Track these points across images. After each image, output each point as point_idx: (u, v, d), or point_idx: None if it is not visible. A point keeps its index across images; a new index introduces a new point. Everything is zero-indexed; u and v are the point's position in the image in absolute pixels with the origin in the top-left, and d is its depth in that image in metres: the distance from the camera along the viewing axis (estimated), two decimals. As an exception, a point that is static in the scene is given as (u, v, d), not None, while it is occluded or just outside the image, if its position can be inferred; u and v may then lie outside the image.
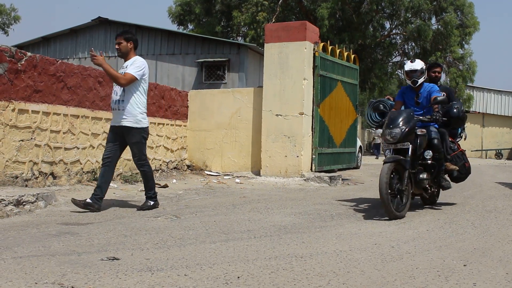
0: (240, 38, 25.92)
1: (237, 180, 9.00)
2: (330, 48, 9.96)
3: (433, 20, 24.38)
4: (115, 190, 7.00)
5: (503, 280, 2.95)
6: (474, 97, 27.61)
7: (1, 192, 5.22)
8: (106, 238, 3.95)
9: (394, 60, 26.85)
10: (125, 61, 5.55)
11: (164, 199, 6.44)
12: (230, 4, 24.38)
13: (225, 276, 2.94)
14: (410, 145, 5.43)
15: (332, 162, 10.10)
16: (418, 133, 5.60)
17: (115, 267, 3.07)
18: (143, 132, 5.51)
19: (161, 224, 4.64)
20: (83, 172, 7.31)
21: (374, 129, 6.93)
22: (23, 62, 6.21)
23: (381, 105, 6.24)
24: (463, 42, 24.64)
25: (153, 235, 4.12)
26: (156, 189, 6.79)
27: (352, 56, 10.96)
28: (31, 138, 6.33)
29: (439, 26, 23.75)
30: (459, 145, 6.55)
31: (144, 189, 5.78)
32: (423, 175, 5.68)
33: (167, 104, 9.62)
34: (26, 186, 6.18)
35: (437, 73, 6.59)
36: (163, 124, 9.49)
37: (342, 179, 9.65)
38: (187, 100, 10.33)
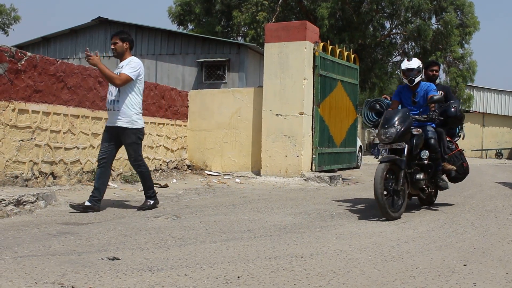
0: (240, 38, 25.92)
1: (237, 180, 9.00)
2: (330, 47, 9.96)
3: (433, 20, 24.39)
4: (115, 190, 7.00)
5: (503, 280, 2.95)
6: (474, 97, 27.59)
7: (1, 192, 5.22)
8: (106, 238, 3.95)
9: (394, 60, 26.87)
10: (120, 61, 5.52)
11: (164, 199, 6.44)
12: (230, 4, 24.38)
13: (225, 275, 2.94)
14: (406, 145, 5.37)
15: (332, 162, 10.09)
16: (414, 132, 5.54)
17: (115, 267, 3.08)
18: (139, 133, 5.48)
19: (161, 224, 4.64)
20: (83, 172, 7.31)
21: (374, 129, 6.89)
22: (23, 62, 6.21)
23: (377, 105, 6.20)
24: (463, 42, 24.65)
25: (153, 235, 4.12)
26: (156, 189, 6.77)
27: (352, 55, 10.96)
28: (31, 138, 6.33)
29: (439, 26, 23.75)
30: (457, 144, 6.48)
31: (143, 189, 5.77)
32: (420, 176, 5.62)
33: (167, 104, 9.62)
34: (26, 186, 6.18)
35: (434, 72, 6.54)
36: (163, 124, 9.50)
37: (342, 179, 9.65)
38: (187, 100, 10.33)
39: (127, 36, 5.56)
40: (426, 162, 5.67)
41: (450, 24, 22.65)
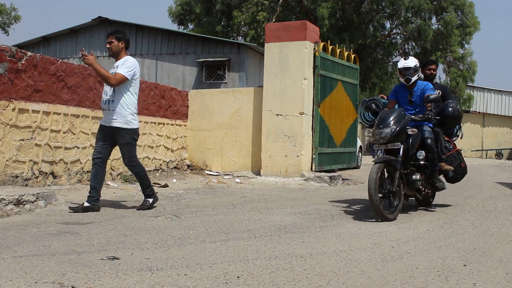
0: (240, 38, 25.92)
1: (237, 180, 9.00)
2: (330, 47, 9.96)
3: (434, 20, 24.39)
4: (115, 190, 7.00)
5: (503, 280, 2.95)
6: (474, 97, 27.59)
7: (2, 191, 5.22)
8: (106, 237, 3.95)
9: (394, 59, 26.83)
10: (116, 60, 5.48)
11: (164, 199, 6.44)
12: (231, 3, 24.38)
13: (225, 275, 2.94)
14: (401, 145, 5.29)
15: (332, 162, 10.09)
16: (409, 132, 5.44)
17: (115, 266, 3.07)
18: (133, 133, 5.44)
19: (161, 224, 4.64)
20: (83, 171, 7.31)
21: (371, 128, 6.84)
22: (23, 62, 6.21)
23: (373, 104, 6.13)
24: (464, 42, 24.65)
25: (153, 234, 4.12)
26: (156, 189, 6.77)
27: (353, 55, 10.96)
28: (31, 138, 6.33)
29: (440, 26, 23.75)
30: (455, 144, 6.38)
31: (141, 189, 5.75)
32: (416, 176, 5.55)
33: (167, 103, 9.62)
34: (26, 185, 6.19)
35: (432, 71, 6.46)
36: (164, 123, 9.50)
37: (342, 179, 9.65)
38: (188, 100, 10.33)
39: (122, 35, 5.52)
40: (422, 162, 5.60)
41: (450, 24, 22.65)
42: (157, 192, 6.96)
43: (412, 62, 5.78)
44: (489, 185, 9.78)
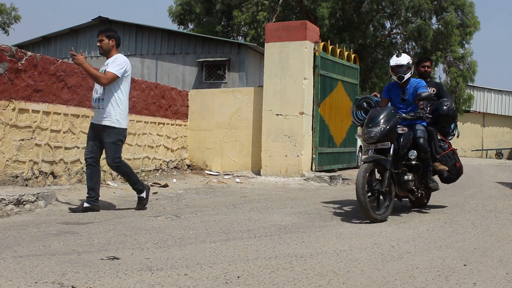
0: (240, 38, 25.91)
1: (237, 180, 9.00)
2: (330, 47, 9.96)
3: (434, 20, 24.37)
4: (115, 190, 7.00)
5: (503, 280, 2.95)
6: (474, 97, 27.58)
7: (2, 191, 5.22)
8: (106, 237, 3.95)
9: (394, 59, 26.78)
10: (107, 59, 5.43)
11: (164, 199, 6.44)
12: (231, 3, 24.37)
13: (225, 275, 2.94)
14: (391, 145, 5.15)
15: (332, 161, 10.10)
16: (400, 131, 5.29)
17: (115, 266, 3.07)
18: (120, 134, 5.33)
19: (161, 224, 4.64)
20: (83, 171, 7.30)
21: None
22: (23, 62, 6.21)
23: (364, 103, 6.00)
24: (464, 42, 24.62)
25: (153, 234, 4.12)
26: (157, 189, 6.77)
27: (353, 55, 10.96)
28: (32, 138, 6.33)
29: (440, 26, 23.73)
30: (450, 143, 6.20)
31: (130, 186, 5.62)
32: (408, 177, 5.38)
33: (167, 103, 9.62)
34: (26, 185, 6.19)
35: (426, 68, 6.29)
36: (164, 123, 9.50)
37: (342, 179, 9.65)
38: (188, 100, 10.33)
39: (113, 33, 5.46)
40: (414, 162, 5.43)
41: (450, 24, 22.64)
42: (156, 192, 6.98)
43: (405, 59, 5.61)
44: (489, 184, 9.78)
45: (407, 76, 5.59)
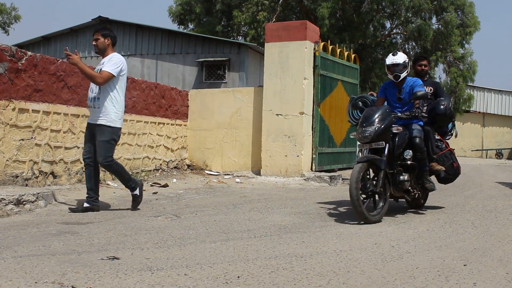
0: (240, 38, 25.90)
1: (237, 180, 9.00)
2: (330, 47, 9.96)
3: (434, 20, 24.36)
4: (115, 190, 7.00)
5: (503, 280, 2.95)
6: (474, 97, 27.57)
7: (2, 191, 5.22)
8: (106, 237, 3.95)
9: (394, 59, 26.78)
10: (102, 57, 5.41)
11: (164, 199, 6.44)
12: (231, 3, 24.36)
13: (225, 275, 2.94)
14: (386, 145, 5.08)
15: (333, 161, 10.10)
16: (394, 131, 5.23)
17: (115, 266, 3.07)
18: (114, 133, 5.28)
19: (161, 224, 4.64)
20: (83, 171, 7.29)
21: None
22: (23, 62, 6.21)
23: (360, 102, 5.94)
24: (464, 42, 24.62)
25: (153, 234, 4.12)
26: (157, 189, 6.76)
27: (353, 55, 10.96)
28: (32, 138, 6.33)
29: (440, 26, 23.73)
30: (447, 143, 6.13)
31: (123, 185, 5.56)
32: (404, 177, 5.29)
33: (167, 103, 9.62)
34: (27, 185, 6.19)
35: (423, 67, 6.19)
36: (164, 123, 9.50)
37: (343, 179, 9.64)
38: (188, 100, 10.33)
39: (108, 32, 5.44)
40: (409, 162, 5.35)
41: (450, 24, 22.64)
42: (156, 192, 6.98)
43: (401, 58, 5.55)
44: (489, 184, 9.77)
45: (403, 75, 5.54)
